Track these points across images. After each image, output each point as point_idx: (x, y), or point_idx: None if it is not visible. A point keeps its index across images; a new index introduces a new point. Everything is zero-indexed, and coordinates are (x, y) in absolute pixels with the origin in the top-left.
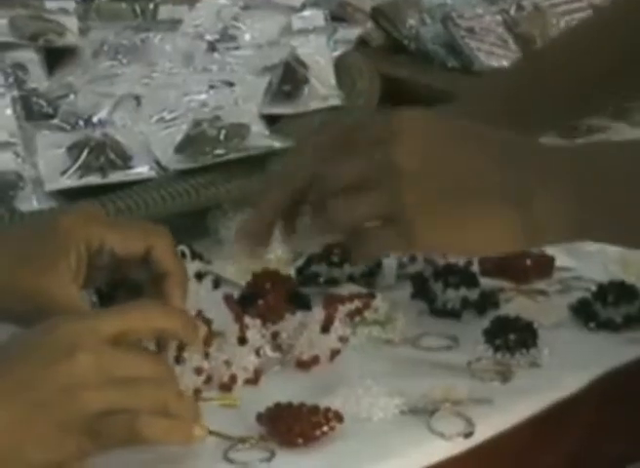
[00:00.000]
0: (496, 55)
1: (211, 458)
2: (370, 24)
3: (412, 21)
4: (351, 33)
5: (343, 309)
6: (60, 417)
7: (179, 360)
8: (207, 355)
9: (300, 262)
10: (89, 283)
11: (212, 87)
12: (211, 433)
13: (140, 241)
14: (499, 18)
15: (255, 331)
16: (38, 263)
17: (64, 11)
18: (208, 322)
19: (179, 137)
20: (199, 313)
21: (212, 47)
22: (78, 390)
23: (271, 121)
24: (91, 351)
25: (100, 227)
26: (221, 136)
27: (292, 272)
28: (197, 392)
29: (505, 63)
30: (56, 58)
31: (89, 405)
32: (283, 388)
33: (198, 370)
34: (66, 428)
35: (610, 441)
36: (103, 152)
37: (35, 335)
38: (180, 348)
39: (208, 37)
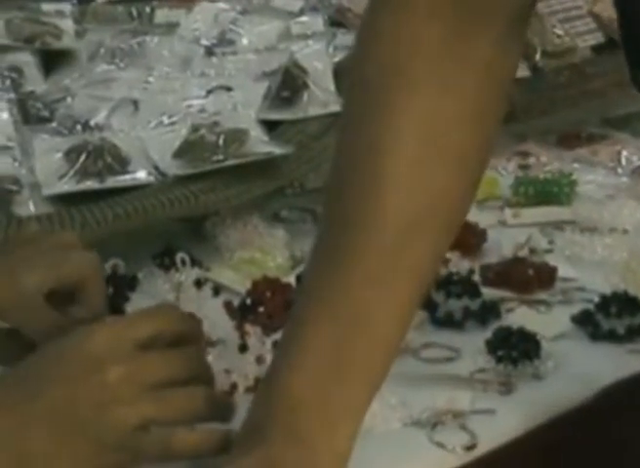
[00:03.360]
0: None
1: None
2: None
3: None
4: (350, 39)
5: None
6: (97, 435)
7: None
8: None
9: (300, 270)
10: None
11: (210, 92)
12: None
13: None
14: None
15: (255, 338)
16: None
17: (61, 13)
18: None
19: (177, 143)
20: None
21: (209, 51)
22: (112, 406)
23: (270, 127)
24: (121, 362)
25: None
26: (220, 142)
27: (292, 280)
28: None
29: None
30: (52, 60)
31: (124, 421)
32: None
33: None
34: (103, 445)
35: (616, 454)
36: (101, 157)
37: (66, 350)
38: None
39: (205, 42)
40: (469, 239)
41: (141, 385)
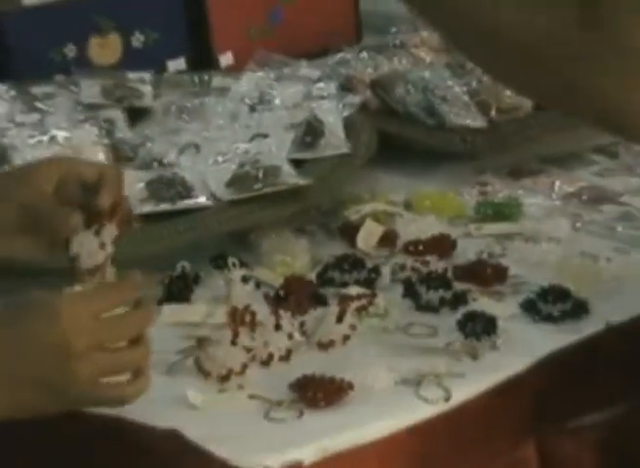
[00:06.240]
0: (462, 116)
1: (255, 417)
2: (369, 93)
3: (400, 91)
4: (355, 99)
5: (353, 305)
6: (58, 388)
7: (234, 342)
8: (253, 338)
9: (319, 269)
10: None
11: (252, 138)
12: (254, 397)
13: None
14: (464, 88)
15: (287, 320)
16: None
17: (142, 80)
18: (253, 314)
19: (228, 176)
20: (247, 306)
21: (252, 108)
22: (70, 363)
23: (297, 164)
24: (83, 336)
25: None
26: (260, 175)
27: (313, 277)
28: (244, 366)
29: (469, 122)
30: (136, 115)
31: (79, 373)
32: (308, 364)
33: (247, 350)
34: (65, 396)
35: (553, 405)
36: (173, 186)
37: (36, 335)
38: (235, 334)
39: (249, 101)
40: (444, 246)
41: (99, 346)
